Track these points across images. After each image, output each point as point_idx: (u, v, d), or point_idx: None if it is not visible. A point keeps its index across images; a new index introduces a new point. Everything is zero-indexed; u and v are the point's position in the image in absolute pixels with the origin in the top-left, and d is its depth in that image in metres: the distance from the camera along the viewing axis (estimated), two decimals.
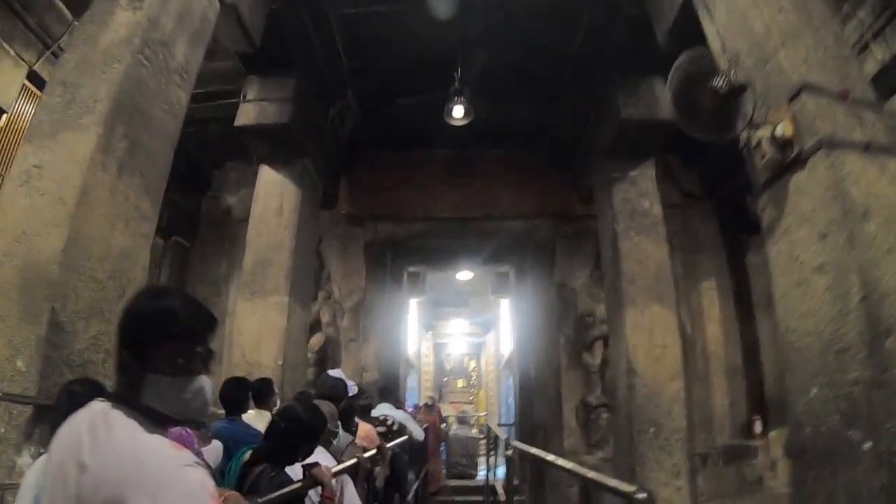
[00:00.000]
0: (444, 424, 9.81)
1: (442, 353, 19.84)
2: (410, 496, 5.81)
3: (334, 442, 3.38)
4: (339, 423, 3.53)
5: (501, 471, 7.38)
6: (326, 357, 8.73)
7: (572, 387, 8.56)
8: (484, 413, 13.66)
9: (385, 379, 8.43)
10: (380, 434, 4.56)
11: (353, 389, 4.23)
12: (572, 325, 8.90)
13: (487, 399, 17.31)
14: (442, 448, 9.47)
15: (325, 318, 8.98)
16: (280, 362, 5.83)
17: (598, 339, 8.65)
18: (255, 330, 6.10)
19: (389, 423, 4.83)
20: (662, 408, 5.75)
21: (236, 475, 2.54)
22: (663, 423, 5.70)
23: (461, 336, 18.62)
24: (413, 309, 13.21)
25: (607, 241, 6.79)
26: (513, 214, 9.15)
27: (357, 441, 3.88)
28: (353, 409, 4.27)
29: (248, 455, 2.59)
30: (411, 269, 10.07)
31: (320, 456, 2.79)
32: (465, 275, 13.15)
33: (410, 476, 5.91)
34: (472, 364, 21.09)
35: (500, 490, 7.31)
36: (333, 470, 2.60)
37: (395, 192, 9.27)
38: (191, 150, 8.14)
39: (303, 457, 2.58)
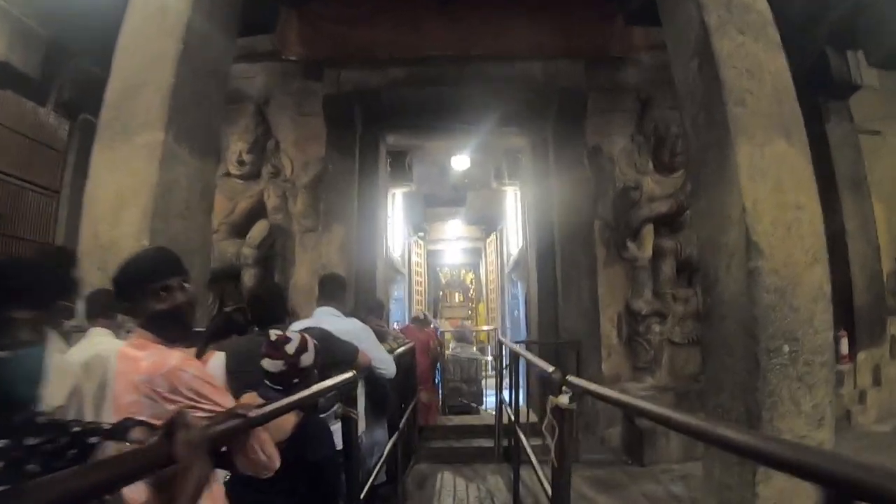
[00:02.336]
0: (441, 347, 7.52)
1: (436, 263, 17.60)
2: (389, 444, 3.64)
3: None
4: None
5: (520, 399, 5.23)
6: (274, 254, 6.32)
7: (612, 289, 6.23)
8: (492, 328, 11.22)
9: (354, 281, 6.07)
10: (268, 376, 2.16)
11: None
12: (611, 204, 6.47)
13: (488, 313, 15.18)
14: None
15: (270, 200, 6.51)
16: (145, 242, 3.38)
17: (647, 222, 6.26)
18: (115, 193, 3.62)
19: (290, 346, 2.26)
20: (801, 312, 3.39)
21: None
22: (803, 337, 3.36)
23: (457, 242, 16.26)
24: (398, 203, 10.71)
25: (686, 48, 4.14)
26: (529, 52, 6.48)
27: None
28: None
29: None
30: (390, 140, 7.48)
31: None
32: (461, 162, 10.56)
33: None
34: (470, 276, 19.04)
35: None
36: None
37: (365, 28, 6.55)
38: None
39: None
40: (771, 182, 3.55)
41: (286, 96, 6.92)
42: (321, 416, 2.41)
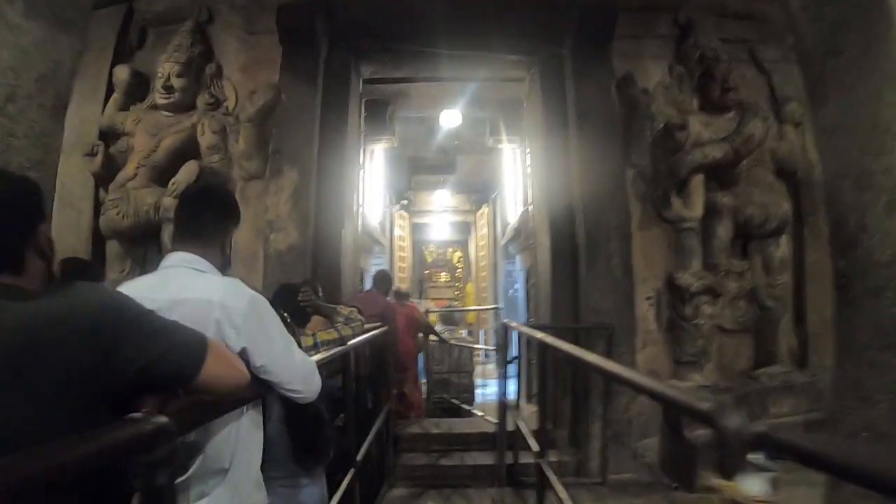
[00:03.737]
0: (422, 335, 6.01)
1: (421, 240, 16.09)
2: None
3: None
4: None
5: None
6: None
7: (649, 259, 4.79)
8: (493, 307, 9.23)
9: (312, 244, 4.58)
10: None
11: None
12: (648, 148, 5.01)
13: (478, 293, 13.73)
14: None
15: (205, 137, 4.97)
16: None
17: (697, 172, 4.82)
18: None
19: None
20: None
21: None
22: None
23: (445, 215, 14.73)
24: (378, 162, 9.17)
25: None
26: None
27: None
28: None
29: None
30: (366, 72, 5.92)
31: None
32: (451, 119, 9.07)
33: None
34: (458, 255, 17.58)
35: (526, 433, 3.64)
36: None
37: None
38: None
39: None
40: None
41: (233, 12, 5.36)
42: None
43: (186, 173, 4.70)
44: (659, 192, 4.85)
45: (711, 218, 4.82)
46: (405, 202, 12.46)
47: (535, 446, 3.10)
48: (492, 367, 7.34)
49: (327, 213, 4.76)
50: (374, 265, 8.18)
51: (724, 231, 4.83)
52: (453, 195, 13.48)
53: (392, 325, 5.18)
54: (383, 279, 5.51)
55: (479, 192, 12.69)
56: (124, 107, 5.27)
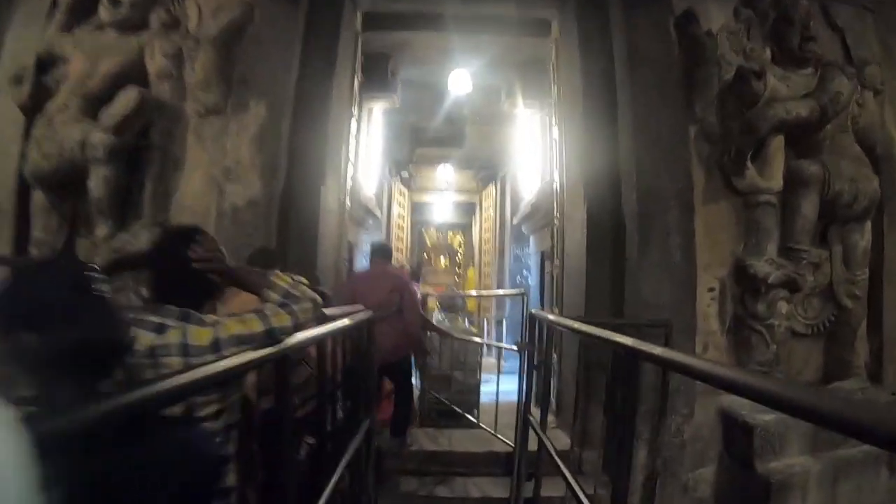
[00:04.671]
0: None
1: (421, 222, 15.02)
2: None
3: None
4: None
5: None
6: (148, 147, 3.73)
7: (713, 240, 3.74)
8: (516, 292, 7.39)
9: (280, 200, 3.53)
10: None
11: None
12: (716, 101, 3.95)
13: (481, 279, 12.68)
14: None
15: (155, 61, 3.91)
16: None
17: (777, 132, 3.78)
18: None
19: None
20: None
21: None
22: None
23: (448, 194, 13.63)
24: (377, 124, 8.09)
25: None
26: None
27: None
28: None
29: None
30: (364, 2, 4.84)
31: None
32: (461, 82, 8.00)
33: None
34: (459, 239, 16.55)
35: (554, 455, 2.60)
36: None
37: None
38: None
39: None
40: None
41: None
42: None
43: (123, 102, 3.63)
44: (729, 156, 3.80)
45: (794, 191, 3.79)
46: (405, 174, 11.36)
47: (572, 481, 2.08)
48: (492, 360, 6.31)
49: (304, 164, 3.71)
50: (367, 241, 7.12)
51: (809, 208, 3.79)
52: (458, 171, 12.38)
53: (412, 304, 4.20)
54: (386, 249, 4.49)
55: (487, 169, 11.59)
56: (68, 28, 4.23)
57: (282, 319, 1.43)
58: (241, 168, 3.39)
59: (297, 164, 3.66)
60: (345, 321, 2.13)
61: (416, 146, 11.04)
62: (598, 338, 1.92)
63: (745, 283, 3.69)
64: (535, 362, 2.91)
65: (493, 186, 11.47)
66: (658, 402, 3.13)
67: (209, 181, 3.49)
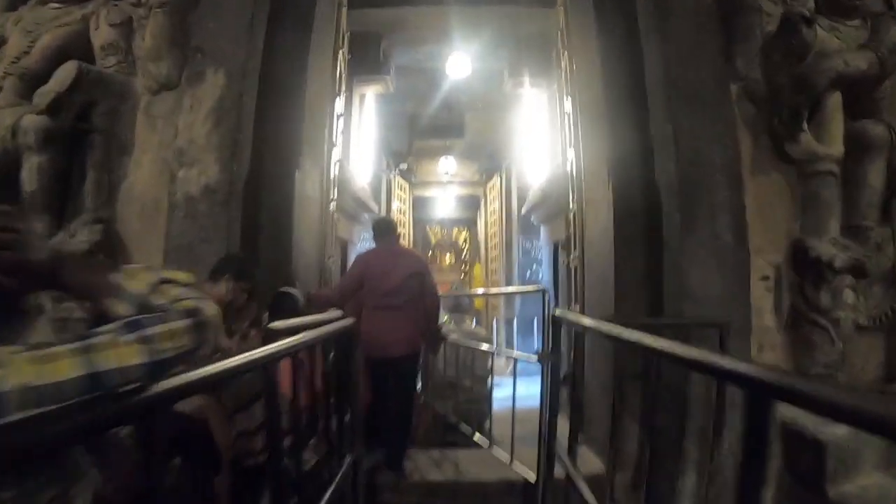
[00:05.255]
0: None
1: (424, 218, 14.44)
2: None
3: None
4: None
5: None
6: (92, 130, 3.16)
7: (766, 217, 3.13)
8: (535, 288, 6.14)
9: (244, 187, 2.95)
10: None
11: None
12: (760, 54, 3.35)
13: (488, 276, 12.08)
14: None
15: (100, 33, 3.38)
16: None
17: (833, 88, 3.18)
18: None
19: None
20: None
21: None
22: None
23: (451, 188, 13.03)
24: (369, 111, 7.51)
25: None
26: None
27: None
28: None
29: None
30: None
31: None
32: (459, 67, 7.45)
33: None
34: (464, 235, 15.97)
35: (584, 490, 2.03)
36: None
37: None
38: None
39: None
40: None
41: None
42: None
43: (59, 79, 3.07)
44: (780, 118, 3.20)
45: (857, 157, 3.18)
46: (403, 166, 10.76)
47: None
48: (501, 361, 5.72)
49: (274, 145, 3.14)
50: (363, 239, 6.52)
51: (876, 176, 3.19)
52: (460, 163, 11.77)
53: (435, 289, 3.68)
54: (390, 225, 3.89)
55: (490, 159, 10.98)
56: (13, 7, 3.71)
57: (123, 355, 0.81)
58: (195, 148, 2.82)
59: (265, 145, 3.08)
60: (301, 337, 1.57)
61: (415, 137, 10.48)
62: (671, 355, 1.34)
63: (804, 269, 3.08)
64: (562, 376, 2.33)
65: (498, 177, 10.86)
66: (711, 416, 2.53)
67: (160, 167, 2.92)
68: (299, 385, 1.81)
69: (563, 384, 2.39)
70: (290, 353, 1.64)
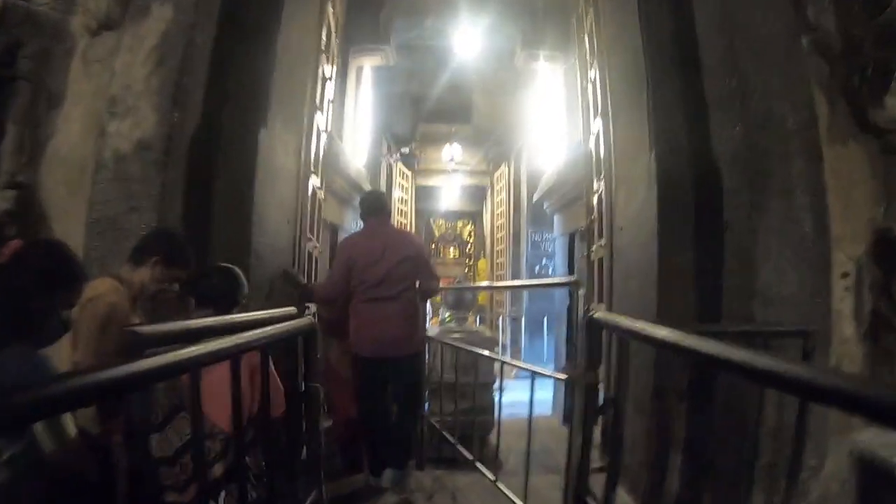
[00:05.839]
0: None
1: (426, 207, 13.87)
2: None
3: None
4: None
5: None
6: (17, 74, 2.57)
7: (846, 200, 2.50)
8: (568, 279, 4.99)
9: (189, 145, 2.36)
10: None
11: None
12: (834, 4, 2.72)
13: (493, 270, 11.47)
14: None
15: None
16: None
17: None
18: None
19: None
20: None
21: None
22: None
23: (456, 176, 12.42)
24: (367, 84, 6.90)
25: None
26: None
27: None
28: None
29: None
30: None
31: None
32: (466, 41, 6.86)
33: None
34: (469, 229, 15.41)
35: None
36: None
37: None
38: None
39: None
40: None
41: None
42: None
43: None
44: (861, 78, 2.59)
45: None
46: (405, 151, 10.14)
47: None
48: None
49: (234, 96, 2.54)
50: (354, 224, 5.91)
51: None
52: (466, 150, 11.14)
53: (434, 273, 3.28)
54: (380, 201, 3.31)
55: (498, 145, 10.37)
56: None
57: None
58: (131, 95, 2.23)
59: (222, 95, 2.49)
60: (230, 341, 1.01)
61: (419, 121, 9.88)
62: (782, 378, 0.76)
63: (890, 265, 2.48)
64: (602, 403, 1.73)
65: (506, 166, 10.25)
66: (788, 447, 1.93)
67: (91, 119, 2.33)
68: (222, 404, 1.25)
69: (601, 412, 1.80)
70: (205, 362, 1.07)
